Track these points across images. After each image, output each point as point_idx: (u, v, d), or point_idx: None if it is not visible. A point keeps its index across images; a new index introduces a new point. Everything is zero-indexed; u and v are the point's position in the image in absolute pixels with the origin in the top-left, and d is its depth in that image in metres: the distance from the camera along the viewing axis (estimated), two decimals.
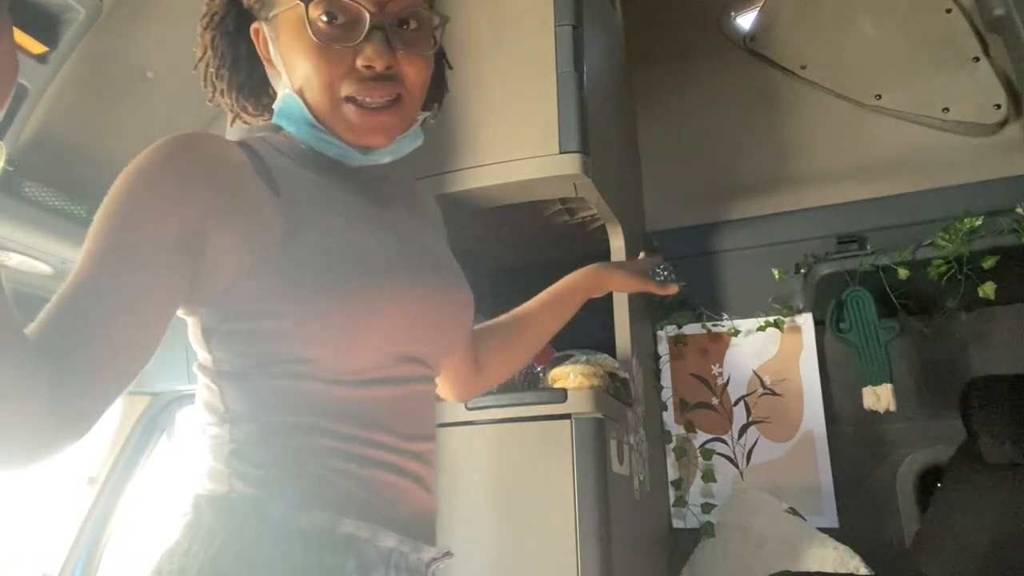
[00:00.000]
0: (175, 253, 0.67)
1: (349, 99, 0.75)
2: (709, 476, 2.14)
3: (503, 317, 1.10)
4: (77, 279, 0.64)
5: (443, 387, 1.04)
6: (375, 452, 0.73)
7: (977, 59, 2.17)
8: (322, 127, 0.77)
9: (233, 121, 0.92)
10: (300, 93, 0.77)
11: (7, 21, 0.51)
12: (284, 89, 0.79)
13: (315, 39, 0.73)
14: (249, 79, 0.86)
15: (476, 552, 1.44)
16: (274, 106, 0.82)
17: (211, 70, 0.85)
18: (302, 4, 0.73)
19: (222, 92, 0.86)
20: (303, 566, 0.66)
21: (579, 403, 1.45)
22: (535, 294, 1.14)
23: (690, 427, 2.20)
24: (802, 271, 2.14)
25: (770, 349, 2.18)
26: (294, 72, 0.76)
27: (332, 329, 0.70)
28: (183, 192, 0.68)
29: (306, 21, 0.73)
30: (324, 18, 0.73)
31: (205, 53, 0.85)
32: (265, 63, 0.83)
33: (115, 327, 0.64)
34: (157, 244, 0.66)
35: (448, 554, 0.81)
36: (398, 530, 0.73)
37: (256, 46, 0.82)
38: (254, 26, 0.81)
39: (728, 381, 2.21)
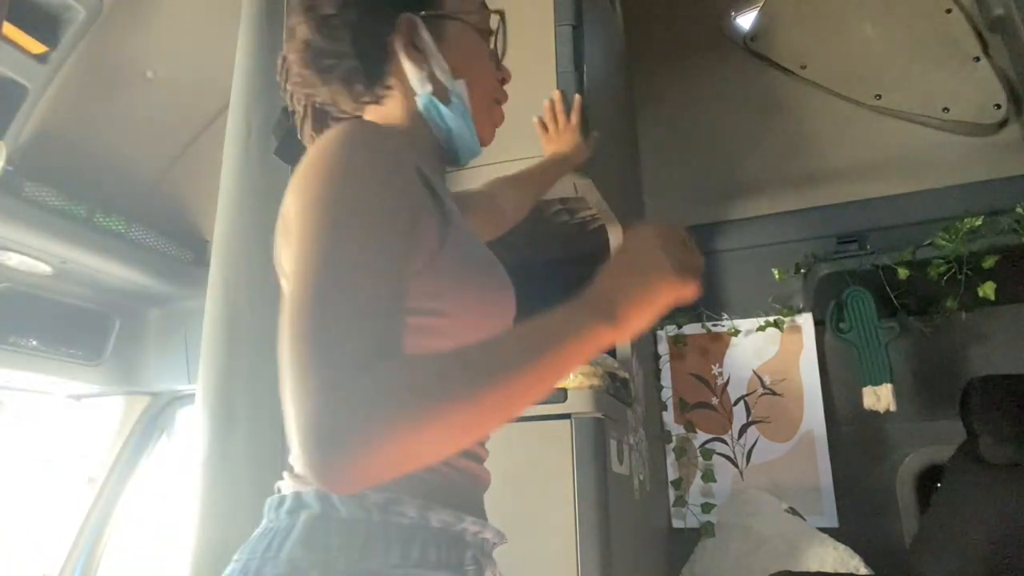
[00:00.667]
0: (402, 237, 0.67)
1: (496, 101, 0.90)
2: (709, 476, 2.14)
3: (518, 173, 1.28)
4: (343, 280, 0.60)
5: None
6: (473, 444, 0.80)
7: (977, 59, 2.16)
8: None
9: (307, 115, 0.88)
10: (462, 91, 0.84)
11: None
12: (426, 84, 0.82)
13: (492, 49, 0.88)
14: (365, 64, 0.83)
15: None
16: (418, 99, 0.83)
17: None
18: (495, 16, 0.87)
19: (333, 73, 0.83)
20: (436, 565, 0.70)
21: (579, 403, 1.45)
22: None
23: (690, 427, 2.20)
24: (802, 271, 2.14)
25: (770, 349, 2.19)
26: (463, 72, 0.84)
27: (479, 326, 0.74)
28: (392, 182, 0.68)
29: (493, 33, 0.86)
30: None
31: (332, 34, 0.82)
32: (402, 53, 0.82)
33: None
34: (392, 231, 0.66)
35: (504, 538, 0.85)
36: (483, 516, 0.80)
37: (394, 35, 0.82)
38: (405, 15, 0.82)
39: (728, 381, 2.21)
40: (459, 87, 0.83)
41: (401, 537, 0.69)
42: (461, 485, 0.77)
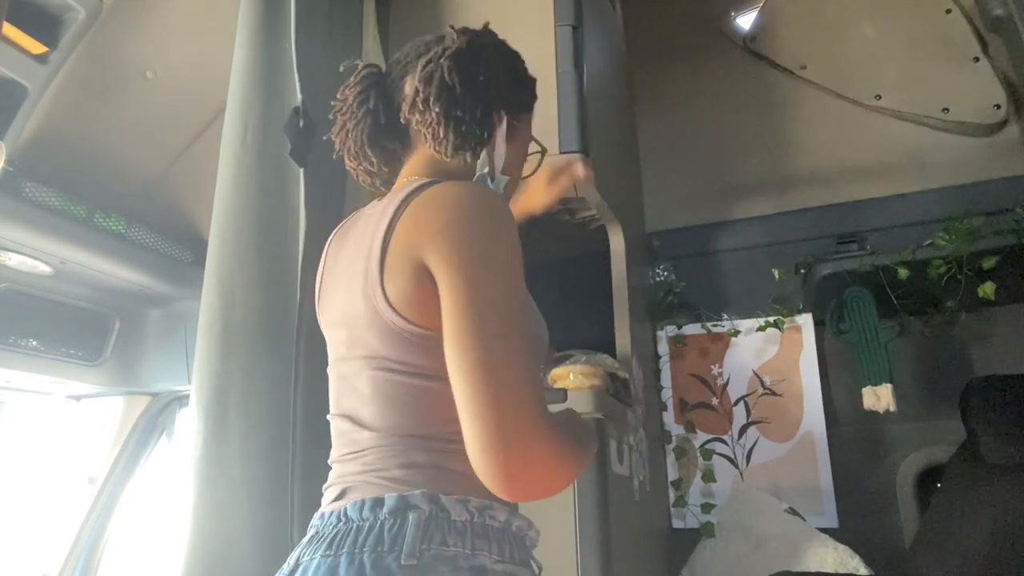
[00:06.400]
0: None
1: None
2: (709, 476, 2.14)
3: None
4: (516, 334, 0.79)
5: None
6: None
7: (977, 59, 2.16)
8: None
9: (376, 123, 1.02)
10: (502, 183, 1.02)
11: None
12: (485, 165, 1.00)
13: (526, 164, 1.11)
14: (479, 129, 1.02)
15: None
16: (488, 173, 1.02)
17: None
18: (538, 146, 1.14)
19: (451, 118, 0.98)
20: (519, 562, 0.84)
21: (579, 403, 1.45)
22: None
23: (690, 427, 2.20)
24: (802, 271, 2.14)
25: (770, 349, 2.18)
26: (508, 171, 1.03)
27: None
28: (517, 237, 0.87)
29: (533, 151, 1.12)
30: None
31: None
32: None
33: None
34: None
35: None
36: None
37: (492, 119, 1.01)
38: (501, 112, 1.01)
39: (728, 381, 2.21)
40: (502, 180, 1.02)
41: (496, 537, 0.82)
42: None
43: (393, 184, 1.04)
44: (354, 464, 0.87)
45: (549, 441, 0.74)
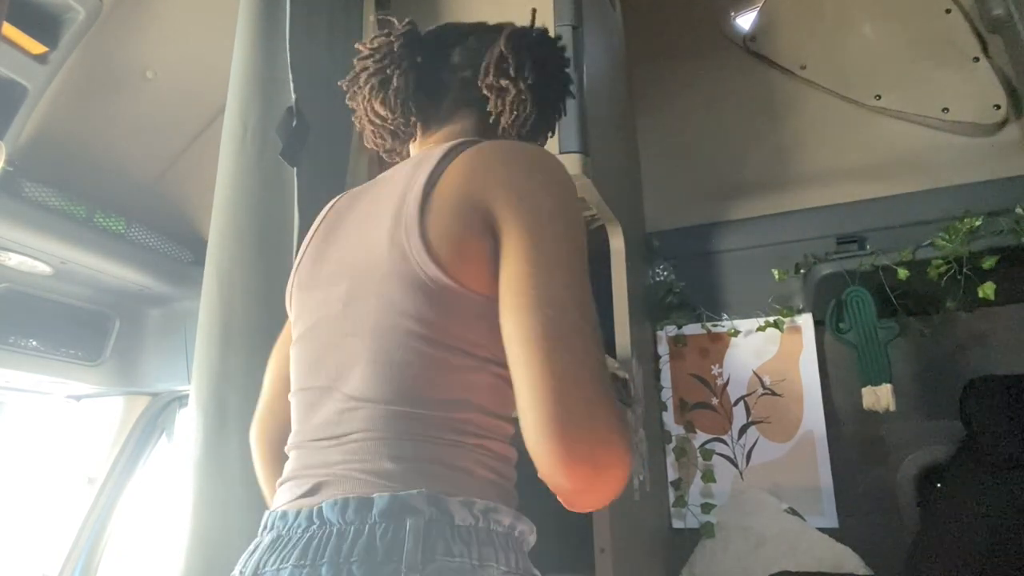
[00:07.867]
0: None
1: None
2: (709, 476, 2.14)
3: None
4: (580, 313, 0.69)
5: None
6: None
7: (977, 59, 2.16)
8: None
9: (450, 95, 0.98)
10: None
11: None
12: None
13: None
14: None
15: None
16: None
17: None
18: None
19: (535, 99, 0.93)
20: (524, 572, 0.73)
21: None
22: None
23: (690, 427, 2.20)
24: (802, 271, 2.14)
25: (770, 349, 2.18)
26: None
27: None
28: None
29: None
30: None
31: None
32: None
33: None
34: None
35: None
36: None
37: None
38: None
39: (728, 381, 2.21)
40: None
41: (501, 544, 0.71)
42: (516, 498, 0.81)
43: (402, 155, 0.97)
44: (331, 452, 0.74)
45: (617, 428, 0.63)
